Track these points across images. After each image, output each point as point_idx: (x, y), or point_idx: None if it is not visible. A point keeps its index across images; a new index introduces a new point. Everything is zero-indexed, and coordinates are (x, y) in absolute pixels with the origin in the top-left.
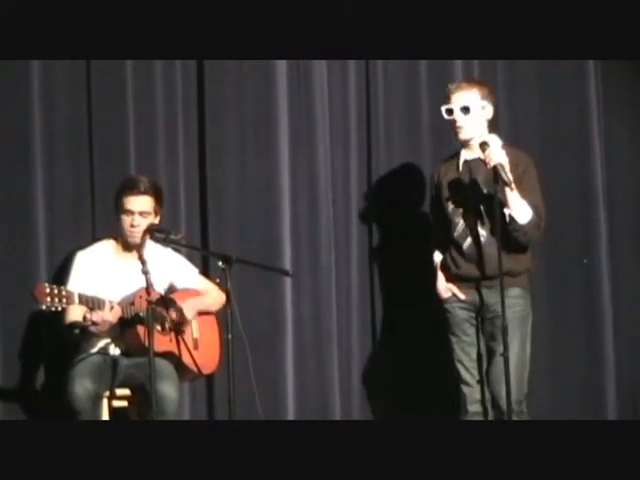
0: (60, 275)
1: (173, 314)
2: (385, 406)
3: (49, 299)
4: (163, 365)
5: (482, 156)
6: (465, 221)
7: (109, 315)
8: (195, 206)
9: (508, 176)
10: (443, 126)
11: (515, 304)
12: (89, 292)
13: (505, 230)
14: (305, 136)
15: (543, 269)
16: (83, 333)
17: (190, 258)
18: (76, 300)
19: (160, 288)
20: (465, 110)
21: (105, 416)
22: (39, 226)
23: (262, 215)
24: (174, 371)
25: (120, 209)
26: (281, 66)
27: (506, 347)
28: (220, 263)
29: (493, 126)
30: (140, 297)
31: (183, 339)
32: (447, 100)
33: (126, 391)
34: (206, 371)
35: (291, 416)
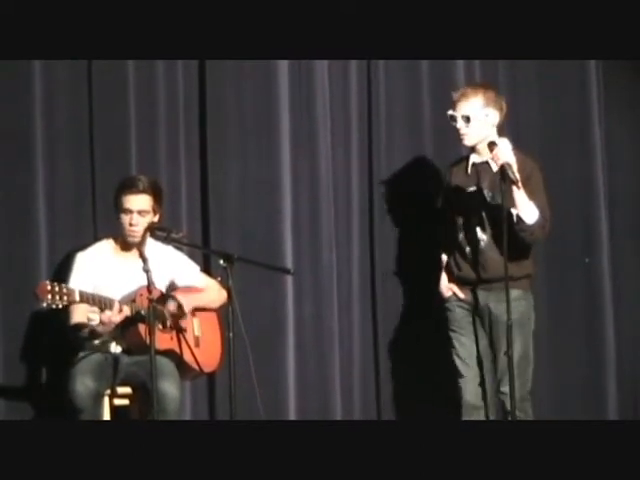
0: (61, 276)
1: (171, 306)
2: (387, 406)
3: (50, 296)
4: (164, 363)
5: (490, 157)
6: (468, 224)
7: (117, 317)
8: (196, 205)
9: (516, 175)
10: (444, 126)
11: (515, 305)
12: (90, 291)
13: (511, 231)
14: (306, 135)
15: (544, 269)
16: (90, 333)
17: (192, 257)
18: (77, 297)
19: (161, 285)
20: (466, 119)
21: (106, 414)
22: (40, 226)
23: (263, 214)
24: (175, 369)
25: (119, 208)
26: (282, 66)
27: (510, 346)
28: (221, 262)
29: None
30: (141, 295)
31: (184, 337)
32: (453, 106)
33: (127, 389)
34: (207, 369)
35: (292, 414)
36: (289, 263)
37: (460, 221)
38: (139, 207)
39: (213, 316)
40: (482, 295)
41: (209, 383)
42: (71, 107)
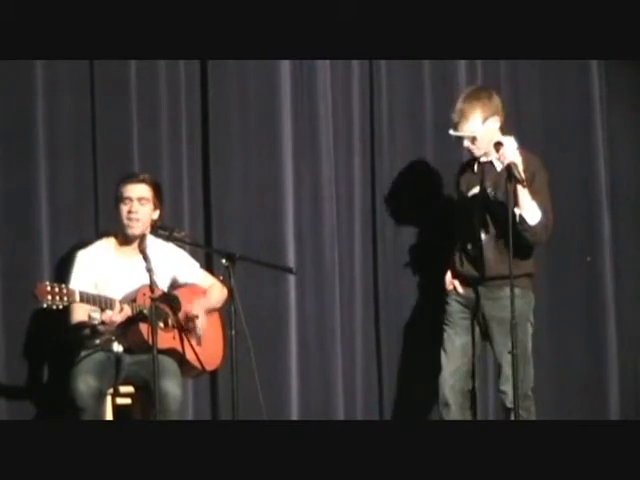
0: (62, 275)
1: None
2: (388, 405)
3: (50, 297)
4: (166, 362)
5: (497, 156)
6: (470, 222)
7: (118, 316)
8: (198, 204)
9: (521, 175)
10: (446, 125)
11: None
12: (91, 290)
13: (513, 231)
14: (309, 135)
15: (546, 268)
16: (91, 333)
17: (194, 256)
18: (77, 298)
19: (162, 283)
20: (472, 140)
21: (109, 413)
22: (42, 225)
23: (266, 213)
24: (177, 368)
25: (119, 199)
26: (285, 66)
27: (514, 345)
28: (223, 260)
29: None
30: (143, 294)
31: (187, 336)
32: (454, 127)
33: (129, 388)
34: (209, 367)
35: (294, 413)
36: (291, 262)
37: (463, 219)
38: (139, 194)
39: (215, 314)
40: (479, 292)
41: (211, 382)
42: (73, 107)
